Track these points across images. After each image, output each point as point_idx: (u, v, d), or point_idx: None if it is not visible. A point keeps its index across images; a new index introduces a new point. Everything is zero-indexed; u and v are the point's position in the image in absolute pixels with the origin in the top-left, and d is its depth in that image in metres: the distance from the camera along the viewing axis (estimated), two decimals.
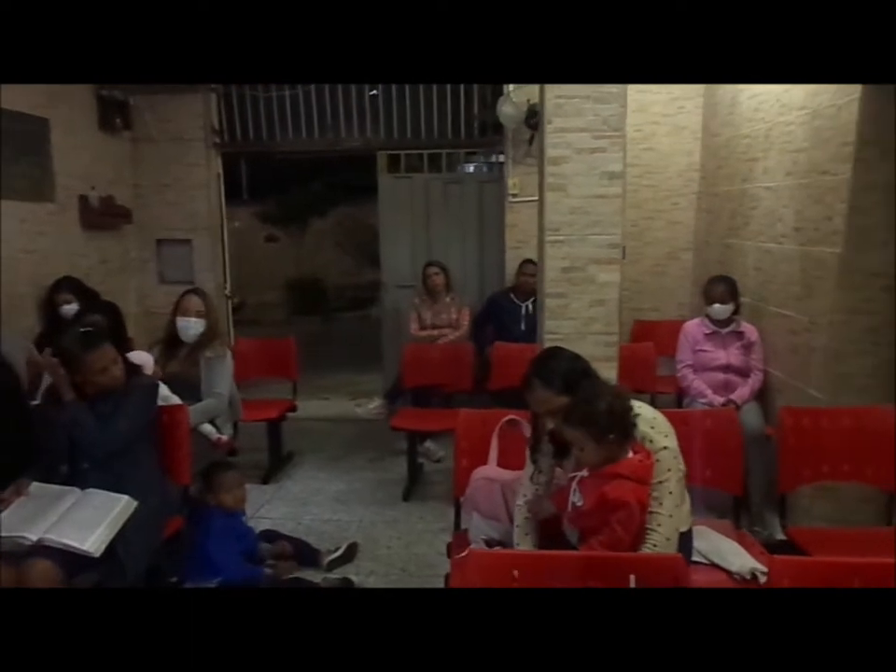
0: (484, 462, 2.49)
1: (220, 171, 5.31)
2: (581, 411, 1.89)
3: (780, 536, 2.61)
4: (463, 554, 2.19)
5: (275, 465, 4.17)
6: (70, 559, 2.18)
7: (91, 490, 2.40)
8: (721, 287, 3.60)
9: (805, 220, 3.26)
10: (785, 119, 3.47)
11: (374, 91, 5.11)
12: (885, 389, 2.91)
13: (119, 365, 2.51)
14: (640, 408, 2.01)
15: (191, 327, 3.32)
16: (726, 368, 3.56)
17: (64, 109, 4.37)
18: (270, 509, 3.68)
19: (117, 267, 5.00)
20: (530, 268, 4.62)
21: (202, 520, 2.79)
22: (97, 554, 2.21)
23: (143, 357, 2.98)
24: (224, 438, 3.30)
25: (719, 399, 3.47)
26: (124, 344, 3.10)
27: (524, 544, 2.11)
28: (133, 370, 2.61)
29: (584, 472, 1.94)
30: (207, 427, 3.23)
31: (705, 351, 3.61)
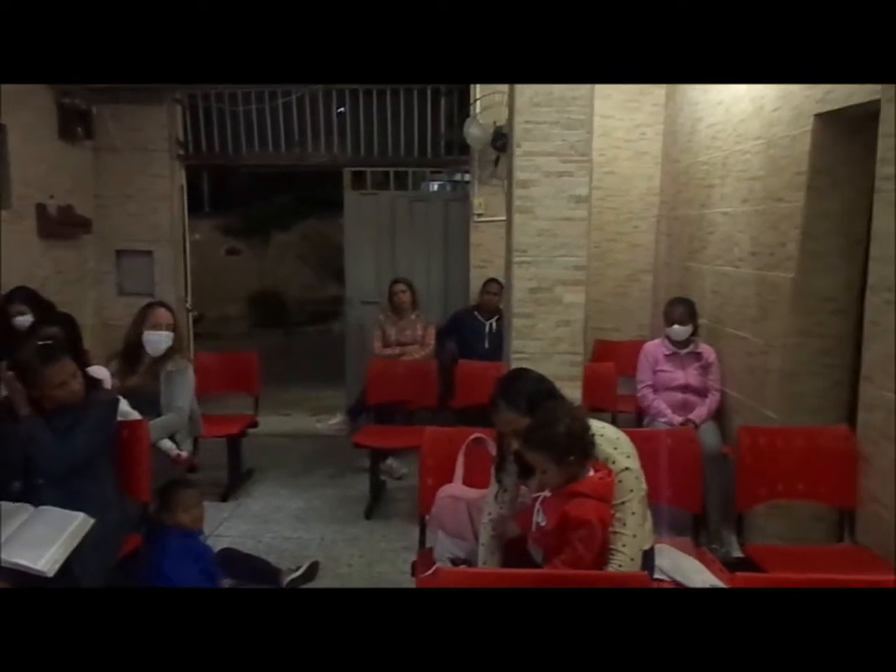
0: (450, 480, 2.50)
1: (184, 183, 5.26)
2: (541, 434, 1.92)
3: (737, 553, 2.67)
4: (429, 573, 2.19)
5: (235, 482, 4.10)
6: (22, 579, 2.11)
7: (44, 507, 2.33)
8: (681, 309, 3.68)
9: (761, 245, 3.36)
10: (741, 147, 3.59)
11: (342, 109, 5.13)
12: (837, 410, 3.01)
13: (79, 379, 2.46)
14: (603, 428, 2.05)
15: (163, 340, 3.28)
16: (685, 388, 3.65)
17: (23, 116, 4.28)
18: (229, 527, 3.61)
19: (74, 278, 4.88)
20: (494, 287, 4.67)
21: (158, 539, 2.73)
22: (51, 574, 2.14)
23: (101, 373, 2.92)
24: (184, 454, 3.24)
25: (678, 419, 3.54)
26: (81, 357, 3.03)
27: (489, 563, 2.12)
28: (93, 384, 2.55)
29: (547, 492, 1.96)
30: (167, 443, 3.17)
31: (664, 371, 3.68)
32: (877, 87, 2.39)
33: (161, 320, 3.30)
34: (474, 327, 4.74)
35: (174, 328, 3.34)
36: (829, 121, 2.88)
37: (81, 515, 2.30)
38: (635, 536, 1.92)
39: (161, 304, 3.43)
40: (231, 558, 3.01)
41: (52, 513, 2.32)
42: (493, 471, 2.21)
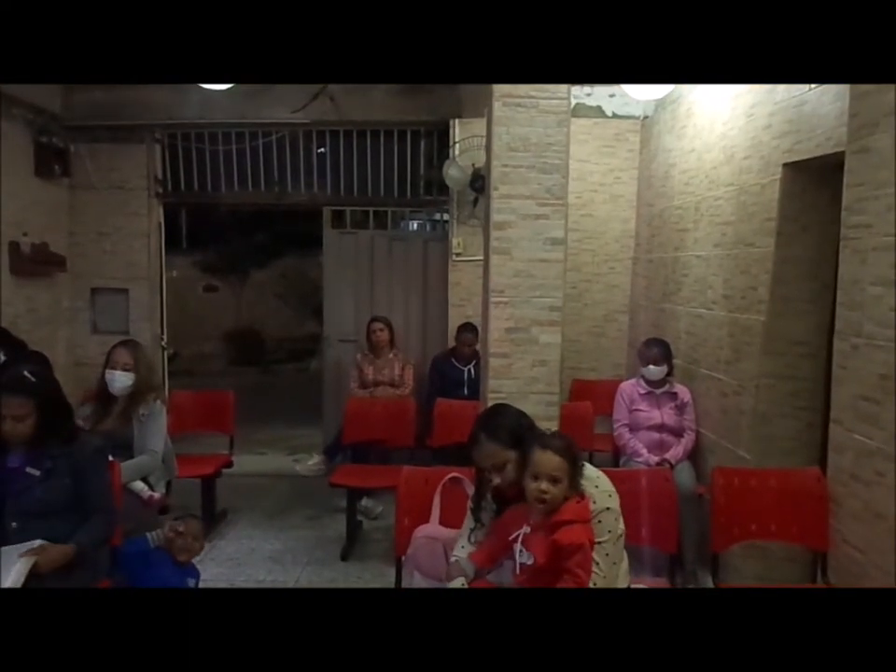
0: (427, 520, 2.49)
1: (162, 220, 5.26)
2: (565, 441, 1.95)
3: None
4: None
5: (208, 523, 4.02)
6: None
7: (5, 548, 2.25)
8: (656, 350, 3.74)
9: (733, 289, 3.44)
10: (713, 193, 3.69)
11: (322, 149, 5.20)
12: (809, 451, 3.05)
13: (24, 426, 2.31)
14: (584, 467, 2.06)
15: (117, 379, 3.21)
16: (661, 427, 3.67)
17: None
18: (201, 570, 3.51)
19: (46, 316, 4.83)
20: (468, 333, 4.67)
21: (144, 557, 2.61)
22: None
23: None
24: (156, 495, 3.18)
25: (654, 459, 3.56)
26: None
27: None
28: (76, 430, 2.51)
29: (526, 529, 1.95)
30: (138, 485, 3.11)
31: (640, 410, 3.72)
32: (843, 139, 2.48)
33: (119, 360, 3.23)
34: (452, 374, 4.72)
35: (133, 368, 3.25)
36: (796, 171, 2.98)
37: None
38: (605, 577, 1.92)
39: (123, 344, 3.36)
40: None
41: (13, 557, 2.24)
42: (469, 508, 2.20)
